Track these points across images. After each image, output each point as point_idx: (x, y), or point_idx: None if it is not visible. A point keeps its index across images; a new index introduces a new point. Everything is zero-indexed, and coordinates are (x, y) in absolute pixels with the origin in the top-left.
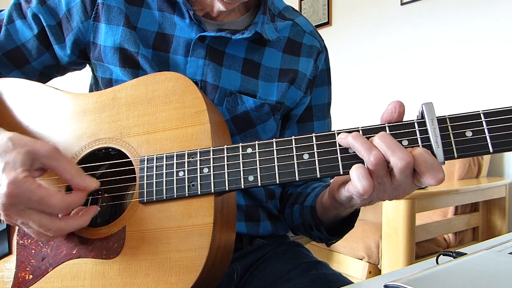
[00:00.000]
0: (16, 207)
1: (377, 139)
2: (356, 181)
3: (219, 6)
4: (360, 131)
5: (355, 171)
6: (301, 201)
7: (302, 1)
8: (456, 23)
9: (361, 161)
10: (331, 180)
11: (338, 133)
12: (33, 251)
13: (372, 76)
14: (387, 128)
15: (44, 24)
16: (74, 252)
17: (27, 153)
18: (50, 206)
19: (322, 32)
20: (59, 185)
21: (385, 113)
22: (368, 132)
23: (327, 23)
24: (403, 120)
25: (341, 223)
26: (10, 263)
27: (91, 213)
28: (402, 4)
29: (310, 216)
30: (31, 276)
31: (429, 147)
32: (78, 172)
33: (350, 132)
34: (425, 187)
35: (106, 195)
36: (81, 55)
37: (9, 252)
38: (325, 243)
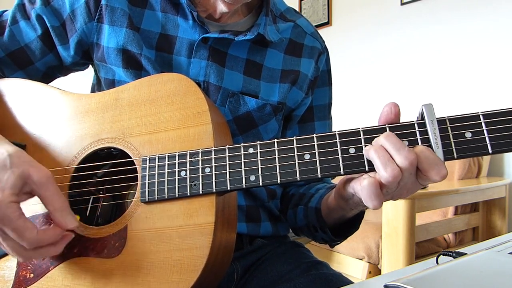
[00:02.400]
0: None
1: (382, 138)
2: (368, 201)
3: (221, 7)
4: (361, 132)
5: (367, 191)
6: (305, 202)
7: (302, 1)
8: (456, 23)
9: (361, 162)
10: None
11: (340, 134)
12: None
13: (372, 76)
14: (387, 128)
15: (48, 25)
16: (75, 251)
17: (20, 176)
18: (22, 238)
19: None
20: (62, 184)
21: (382, 116)
22: (369, 132)
23: (327, 23)
24: (403, 121)
25: (345, 223)
26: (11, 262)
27: (65, 242)
28: (402, 4)
29: (315, 218)
30: (32, 275)
31: (429, 148)
32: (62, 207)
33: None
34: (426, 186)
35: (107, 194)
36: (84, 56)
37: None
38: (329, 244)
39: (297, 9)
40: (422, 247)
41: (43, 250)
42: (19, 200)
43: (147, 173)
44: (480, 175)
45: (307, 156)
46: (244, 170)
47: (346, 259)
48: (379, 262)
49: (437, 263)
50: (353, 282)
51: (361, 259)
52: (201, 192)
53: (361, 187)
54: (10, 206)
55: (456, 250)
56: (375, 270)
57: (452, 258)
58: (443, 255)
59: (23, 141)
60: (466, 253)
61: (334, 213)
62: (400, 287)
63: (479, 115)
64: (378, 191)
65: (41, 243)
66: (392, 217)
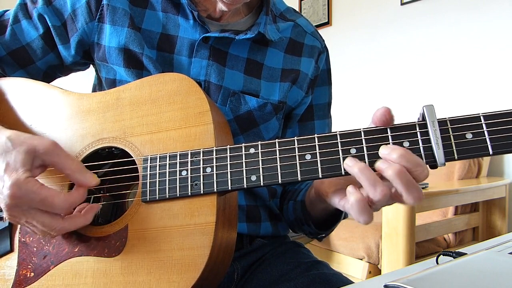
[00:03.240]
0: (20, 208)
1: (394, 173)
2: (357, 216)
3: (221, 7)
4: (362, 133)
5: (356, 208)
6: (295, 197)
7: (302, 1)
8: (456, 23)
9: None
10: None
11: (341, 134)
12: (34, 249)
13: (372, 76)
14: (388, 130)
15: (50, 24)
16: (76, 250)
17: (26, 151)
18: (53, 206)
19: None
20: (62, 183)
21: (376, 119)
22: (370, 133)
23: (327, 23)
24: (404, 121)
25: (329, 215)
26: (11, 261)
27: (93, 211)
28: (402, 4)
29: (301, 211)
30: (32, 274)
31: (429, 148)
32: (78, 168)
33: (353, 132)
34: (425, 187)
35: (108, 194)
36: (85, 56)
37: (11, 250)
38: (316, 238)
39: (297, 9)
40: (422, 247)
41: (73, 220)
42: (34, 175)
43: (148, 172)
44: (480, 175)
45: (308, 156)
46: (245, 170)
47: (346, 259)
48: (379, 262)
49: (437, 263)
50: (353, 282)
51: (361, 259)
52: (202, 192)
53: (349, 205)
54: (28, 181)
55: (456, 250)
56: (375, 270)
57: (452, 258)
58: (443, 255)
59: None
60: (466, 253)
61: (316, 205)
62: (400, 287)
63: (479, 116)
64: (367, 207)
65: (71, 205)
66: (392, 217)
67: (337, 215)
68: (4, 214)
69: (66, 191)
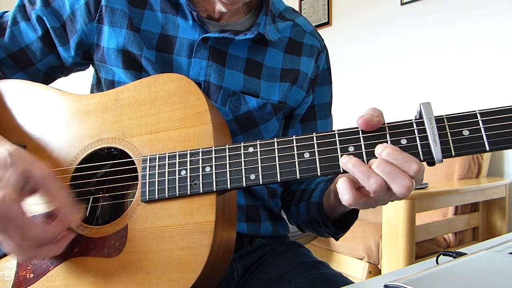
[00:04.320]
0: None
1: (375, 167)
2: (341, 195)
3: (220, 7)
4: (360, 131)
5: (340, 185)
6: (307, 198)
7: (302, 1)
8: (456, 23)
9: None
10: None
11: (339, 133)
12: None
13: (372, 76)
14: (386, 128)
15: (48, 26)
16: (75, 250)
17: (21, 174)
18: (25, 237)
19: (322, 32)
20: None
21: (364, 120)
22: (368, 132)
23: (327, 23)
24: (402, 119)
25: (346, 215)
26: (11, 262)
27: (66, 241)
28: (402, 4)
29: (317, 213)
30: (32, 275)
31: (427, 145)
32: (66, 203)
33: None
34: (425, 186)
35: (107, 194)
36: (85, 57)
37: None
38: (334, 237)
39: (297, 9)
40: (422, 247)
41: (44, 250)
42: (22, 198)
43: (147, 172)
44: (480, 175)
45: (307, 155)
46: (244, 169)
47: (346, 259)
48: (379, 262)
49: (437, 263)
50: (353, 282)
51: (361, 259)
52: (201, 191)
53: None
54: (13, 204)
55: (456, 250)
56: (375, 270)
57: (452, 258)
58: (443, 255)
59: (23, 142)
60: (466, 253)
61: (337, 209)
62: (400, 287)
63: (476, 113)
64: (349, 186)
65: (43, 241)
66: (392, 217)
67: (355, 212)
68: None
69: (44, 224)
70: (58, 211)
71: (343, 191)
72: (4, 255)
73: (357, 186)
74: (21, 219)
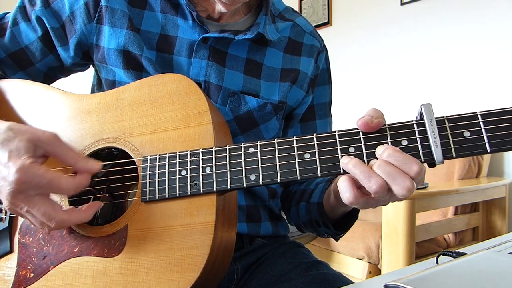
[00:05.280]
0: (24, 194)
1: (376, 168)
2: (342, 193)
3: (220, 8)
4: (361, 132)
5: (341, 183)
6: (307, 199)
7: (302, 1)
8: (456, 23)
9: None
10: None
11: (339, 134)
12: (34, 250)
13: (372, 76)
14: (387, 129)
15: (48, 26)
16: (75, 250)
17: (29, 140)
18: (59, 187)
19: (322, 32)
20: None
21: (364, 121)
22: (368, 132)
23: (327, 23)
24: (402, 121)
25: (346, 215)
26: (11, 262)
27: (94, 208)
28: (402, 4)
29: (317, 213)
30: (32, 274)
31: (428, 147)
32: (80, 156)
33: (352, 131)
34: (425, 187)
35: (108, 194)
36: (85, 57)
37: (11, 251)
38: (333, 238)
39: (297, 9)
40: (422, 247)
41: (75, 213)
42: (38, 161)
43: (147, 172)
44: (480, 175)
45: (307, 156)
46: (245, 169)
47: (346, 259)
48: (379, 262)
49: (437, 263)
50: (353, 282)
51: (361, 259)
52: (201, 192)
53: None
54: (33, 166)
55: (456, 250)
56: (375, 270)
57: (452, 258)
58: (443, 255)
59: None
60: (466, 253)
61: (337, 210)
62: (400, 287)
63: (477, 115)
64: (350, 184)
65: (77, 188)
66: (392, 217)
67: (355, 212)
68: (4, 204)
69: (70, 175)
70: (76, 166)
71: (344, 190)
72: (5, 254)
73: (358, 185)
74: (47, 175)
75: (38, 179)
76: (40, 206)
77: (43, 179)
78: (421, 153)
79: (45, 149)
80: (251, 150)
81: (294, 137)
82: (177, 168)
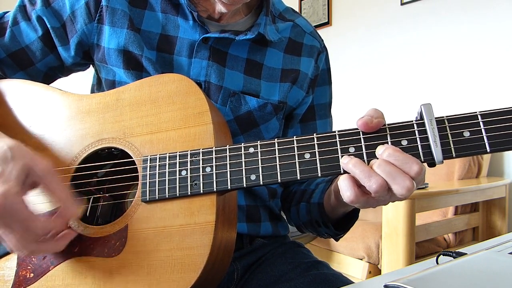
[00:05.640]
0: (2, 219)
1: (376, 167)
2: (343, 192)
3: (220, 8)
4: (361, 132)
5: (342, 182)
6: (307, 199)
7: (302, 1)
8: (456, 23)
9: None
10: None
11: (340, 134)
12: None
13: (372, 76)
14: (387, 129)
15: (49, 26)
16: (75, 250)
17: (22, 168)
18: (29, 229)
19: (322, 32)
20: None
21: (364, 121)
22: (368, 132)
23: (327, 23)
24: (402, 120)
25: (347, 216)
26: (11, 262)
27: (67, 239)
28: (402, 4)
29: (318, 213)
30: (32, 275)
31: (427, 146)
32: (66, 197)
33: (352, 131)
34: (425, 187)
35: (108, 194)
36: (85, 57)
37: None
38: (334, 238)
39: (297, 9)
40: (422, 247)
41: (45, 245)
42: (24, 192)
43: (148, 172)
44: (480, 175)
45: (307, 156)
46: (245, 169)
47: (346, 259)
48: (379, 262)
49: (437, 263)
50: (353, 282)
51: (361, 259)
52: (201, 192)
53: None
54: (15, 197)
55: (456, 250)
56: (375, 270)
57: (452, 258)
58: (443, 255)
59: (24, 141)
60: (466, 253)
61: (338, 210)
62: (400, 287)
63: (477, 115)
64: (350, 183)
65: (45, 233)
66: (392, 217)
67: (355, 212)
68: None
69: (46, 217)
70: (59, 205)
71: (345, 188)
72: (5, 254)
73: (358, 184)
74: (24, 212)
75: (13, 212)
76: (14, 234)
77: (18, 215)
78: (421, 153)
79: (35, 180)
80: (251, 150)
81: (294, 137)
82: (177, 168)
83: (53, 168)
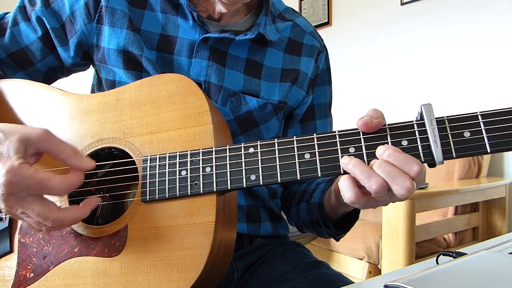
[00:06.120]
0: (16, 196)
1: (376, 168)
2: (344, 192)
3: (220, 8)
4: (361, 132)
5: (342, 183)
6: (307, 199)
7: (302, 1)
8: (456, 23)
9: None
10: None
11: (340, 134)
12: (34, 250)
13: (372, 76)
14: (387, 129)
15: (48, 26)
16: (75, 250)
17: (19, 140)
18: (50, 188)
19: (322, 32)
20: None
21: (364, 121)
22: (368, 133)
23: (327, 23)
24: (402, 121)
25: (347, 216)
26: (11, 262)
27: (91, 204)
28: (402, 4)
29: (318, 214)
30: (32, 274)
31: (428, 147)
32: (73, 152)
33: (352, 131)
34: (425, 187)
35: (108, 194)
36: (85, 57)
37: (11, 251)
38: (334, 238)
39: (297, 9)
40: (422, 247)
41: (70, 211)
42: (29, 163)
43: (148, 172)
44: (480, 175)
45: (307, 156)
46: (245, 169)
47: (346, 259)
48: (379, 262)
49: (437, 263)
50: (353, 282)
51: (361, 259)
52: (201, 192)
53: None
54: (22, 167)
55: (456, 250)
56: (375, 270)
57: (452, 258)
58: (443, 255)
59: None
60: (466, 253)
61: (338, 210)
62: (400, 287)
63: (477, 115)
64: (351, 184)
65: (69, 187)
66: (392, 217)
67: (355, 212)
68: (1, 206)
69: (62, 175)
70: (69, 162)
71: (345, 189)
72: (5, 254)
73: (359, 184)
74: (38, 175)
75: (27, 181)
76: (34, 207)
77: (33, 179)
78: (421, 153)
79: (36, 147)
80: (251, 150)
81: (294, 137)
82: (177, 168)
83: (49, 130)
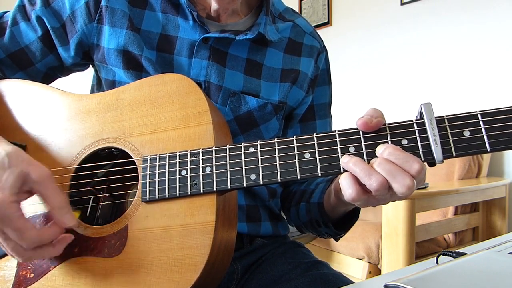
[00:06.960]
0: None
1: (376, 166)
2: (344, 190)
3: (213, 5)
4: (361, 131)
5: (343, 180)
6: (307, 199)
7: (302, 1)
8: (456, 23)
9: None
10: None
11: (340, 134)
12: None
13: (372, 76)
14: (387, 128)
15: (48, 26)
16: (76, 250)
17: (18, 175)
18: (22, 239)
19: (322, 32)
20: (62, 184)
21: (364, 121)
22: (368, 132)
23: (327, 23)
24: (402, 120)
25: (347, 215)
26: (11, 262)
27: (64, 244)
28: (402, 4)
29: (318, 213)
30: (32, 275)
31: (428, 146)
32: (61, 206)
33: (352, 130)
34: (425, 186)
35: (108, 194)
36: (85, 57)
37: None
38: (334, 238)
39: (297, 9)
40: (422, 247)
41: (42, 251)
42: (19, 200)
43: (148, 172)
44: (480, 175)
45: (307, 155)
46: (245, 169)
47: (346, 259)
48: (379, 262)
49: (437, 263)
50: (353, 282)
51: (361, 259)
52: (201, 191)
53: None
54: (11, 206)
55: (456, 250)
56: (375, 270)
57: (452, 258)
58: (443, 255)
59: (24, 142)
60: (466, 253)
61: (338, 209)
62: (400, 287)
63: (477, 114)
64: (352, 181)
65: (40, 243)
66: (392, 217)
67: (355, 212)
68: None
69: (41, 227)
70: (53, 214)
71: (346, 186)
72: (5, 254)
73: (359, 182)
74: (18, 221)
75: (8, 221)
76: (8, 242)
77: (13, 223)
78: (421, 153)
79: (31, 187)
80: (251, 149)
81: (294, 136)
82: (177, 168)
83: (51, 174)
